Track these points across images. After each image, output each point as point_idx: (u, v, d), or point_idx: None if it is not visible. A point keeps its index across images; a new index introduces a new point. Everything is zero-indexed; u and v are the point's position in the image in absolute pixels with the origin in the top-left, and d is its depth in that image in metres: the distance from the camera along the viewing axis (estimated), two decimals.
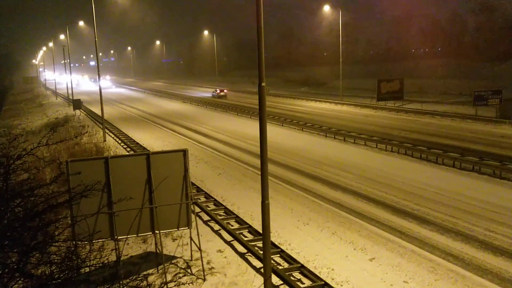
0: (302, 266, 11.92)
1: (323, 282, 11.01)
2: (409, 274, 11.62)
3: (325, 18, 71.31)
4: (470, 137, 28.57)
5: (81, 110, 50.74)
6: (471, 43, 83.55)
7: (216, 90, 67.32)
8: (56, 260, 6.79)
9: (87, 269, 6.83)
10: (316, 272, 11.62)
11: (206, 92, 75.00)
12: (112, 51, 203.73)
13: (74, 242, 9.88)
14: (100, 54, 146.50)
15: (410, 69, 72.27)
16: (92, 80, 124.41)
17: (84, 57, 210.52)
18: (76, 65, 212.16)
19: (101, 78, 73.83)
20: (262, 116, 9.89)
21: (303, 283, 11.26)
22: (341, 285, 11.11)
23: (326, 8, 59.65)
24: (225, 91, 66.99)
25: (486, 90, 36.46)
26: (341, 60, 51.39)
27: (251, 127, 34.90)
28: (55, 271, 6.45)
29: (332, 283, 11.07)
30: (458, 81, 56.81)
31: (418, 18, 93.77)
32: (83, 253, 8.74)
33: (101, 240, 11.26)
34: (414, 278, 11.42)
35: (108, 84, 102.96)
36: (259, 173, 10.21)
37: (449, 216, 15.30)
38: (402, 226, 14.75)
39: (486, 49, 75.83)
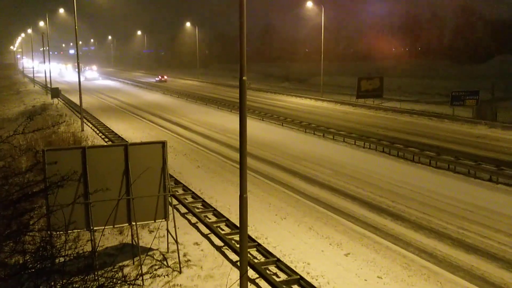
0: (278, 260, 12.00)
1: (298, 276, 11.11)
2: (383, 269, 11.79)
3: (308, 15, 71.45)
4: (447, 136, 29.02)
5: (59, 99, 50.02)
6: (450, 44, 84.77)
7: (158, 77, 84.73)
8: (30, 250, 6.72)
9: (62, 259, 6.76)
10: (292, 266, 11.71)
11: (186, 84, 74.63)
12: (92, 40, 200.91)
13: (49, 232, 9.78)
14: (80, 42, 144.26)
15: (390, 67, 72.93)
16: (77, 70, 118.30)
17: (63, 45, 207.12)
18: (56, 53, 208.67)
19: (87, 68, 70.22)
20: (242, 110, 9.90)
21: (279, 277, 11.34)
22: (316, 279, 11.22)
23: (309, 5, 59.74)
24: (165, 77, 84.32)
25: (463, 91, 37.04)
26: (322, 56, 51.58)
27: (231, 120, 34.87)
28: (29, 260, 6.38)
29: (307, 277, 11.17)
30: (436, 81, 57.55)
31: (399, 17, 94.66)
32: (58, 243, 8.65)
33: (76, 230, 11.18)
34: (388, 273, 11.59)
35: (94, 75, 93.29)
36: (238, 166, 10.23)
37: (423, 214, 15.55)
38: (377, 222, 14.95)
39: (465, 50, 77.03)
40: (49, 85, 60.08)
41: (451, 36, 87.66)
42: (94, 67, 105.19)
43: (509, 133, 29.47)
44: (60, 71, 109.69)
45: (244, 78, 9.80)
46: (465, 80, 54.34)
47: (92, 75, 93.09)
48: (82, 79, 73.62)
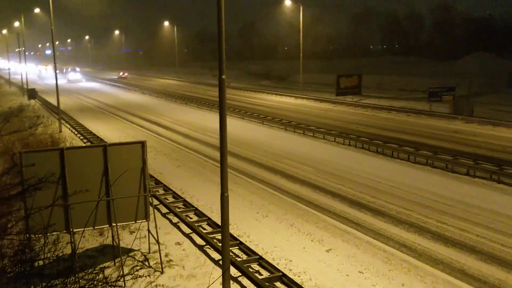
0: (261, 257, 12.02)
1: (281, 273, 11.15)
2: (364, 264, 11.91)
3: (287, 12, 71.66)
4: (425, 132, 29.41)
5: (36, 100, 49.29)
6: (427, 41, 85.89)
7: (120, 73, 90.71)
8: (8, 254, 6.63)
9: (41, 263, 6.68)
10: (274, 264, 11.75)
11: (165, 83, 74.18)
12: (69, 40, 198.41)
13: (27, 235, 9.65)
14: (57, 42, 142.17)
15: (369, 65, 73.56)
16: (57, 71, 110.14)
17: (40, 45, 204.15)
18: (32, 53, 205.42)
19: (69, 69, 67.95)
20: (222, 108, 9.89)
21: (261, 275, 11.37)
22: (299, 276, 11.28)
23: (288, 3, 59.91)
24: (126, 74, 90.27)
25: (440, 87, 37.61)
26: (301, 54, 51.82)
27: (211, 119, 34.79)
28: (7, 264, 6.29)
29: (289, 274, 11.22)
30: (414, 77, 58.21)
31: (378, 15, 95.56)
32: (37, 246, 8.55)
33: (56, 233, 11.04)
34: (369, 268, 11.71)
35: (77, 77, 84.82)
36: (219, 165, 10.22)
37: (403, 208, 15.75)
38: (358, 218, 15.08)
39: (442, 47, 78.13)
40: (26, 86, 59.04)
41: (428, 33, 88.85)
42: (78, 68, 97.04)
43: (485, 128, 30.01)
44: (39, 73, 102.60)
45: (223, 77, 9.79)
46: (442, 77, 55.11)
47: (75, 76, 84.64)
48: (64, 81, 70.12)
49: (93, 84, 78.85)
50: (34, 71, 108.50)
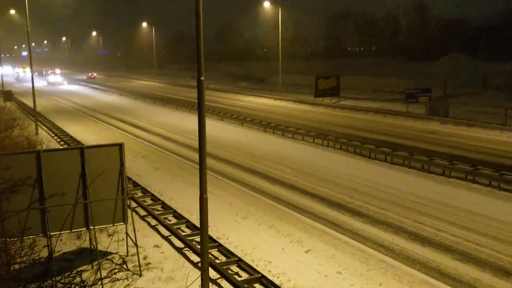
0: (240, 259, 12.04)
1: (260, 275, 11.18)
2: (343, 265, 12.02)
3: (265, 14, 71.82)
4: (401, 133, 29.80)
5: (11, 102, 48.47)
6: (403, 42, 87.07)
7: (89, 74, 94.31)
8: None
9: (17, 266, 6.60)
10: (254, 265, 11.78)
11: (143, 85, 73.63)
12: (45, 41, 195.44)
13: (3, 239, 9.50)
14: (33, 44, 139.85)
15: (346, 66, 74.21)
16: (36, 73, 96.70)
17: (15, 47, 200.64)
18: (7, 55, 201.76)
19: (49, 72, 65.78)
20: (201, 110, 9.88)
21: (240, 276, 11.38)
22: (278, 277, 11.33)
23: (266, 4, 60.07)
24: (95, 74, 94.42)
25: (416, 88, 38.13)
26: (280, 56, 51.98)
27: (190, 121, 34.66)
28: None
29: (269, 276, 11.26)
30: (391, 79, 58.93)
31: (355, 17, 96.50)
32: (13, 250, 8.43)
33: (32, 236, 10.89)
34: (348, 268, 11.82)
35: (58, 80, 79.78)
36: (198, 167, 10.20)
37: (380, 209, 15.93)
38: (336, 218, 15.21)
39: (418, 48, 79.30)
40: (1, 88, 57.81)
41: (404, 35, 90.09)
42: (58, 71, 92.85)
43: (461, 129, 30.54)
44: (17, 75, 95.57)
45: (202, 78, 9.78)
46: (418, 78, 55.90)
47: (56, 79, 79.94)
48: (44, 84, 67.71)
49: (74, 87, 77.58)
50: (11, 74, 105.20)
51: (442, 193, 17.60)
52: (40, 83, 74.84)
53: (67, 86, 76.02)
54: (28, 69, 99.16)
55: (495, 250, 12.80)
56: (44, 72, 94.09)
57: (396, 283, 11.14)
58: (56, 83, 77.67)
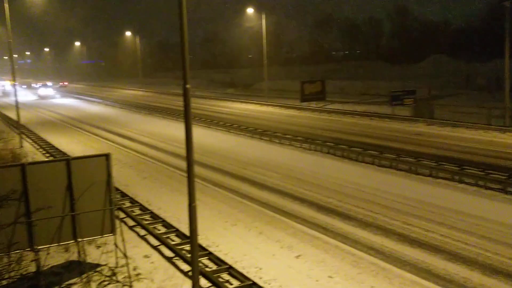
0: (230, 267, 11.98)
1: (251, 282, 11.13)
2: (334, 269, 12.02)
3: (249, 21, 72.05)
4: (388, 135, 29.99)
5: None
6: (387, 46, 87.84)
7: (59, 83, 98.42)
8: None
9: (5, 282, 6.50)
10: (244, 272, 11.72)
11: (126, 95, 73.25)
12: (28, 53, 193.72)
13: None
14: (16, 55, 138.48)
15: (331, 70, 74.62)
16: (24, 86, 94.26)
17: None
18: None
19: (39, 84, 63.48)
20: (187, 118, 9.85)
21: (231, 284, 11.32)
22: (269, 284, 11.29)
23: (250, 11, 60.27)
24: (66, 83, 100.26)
25: (401, 90, 38.46)
26: (265, 62, 52.13)
27: (177, 129, 34.55)
28: None
29: (260, 282, 11.22)
30: (375, 82, 59.40)
31: (338, 21, 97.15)
32: (1, 265, 8.30)
33: (19, 251, 10.73)
34: (338, 272, 11.82)
35: (49, 93, 75.06)
36: (186, 175, 10.16)
37: (369, 211, 15.98)
38: (326, 222, 15.22)
39: (401, 51, 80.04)
40: None
41: (388, 38, 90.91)
42: (49, 83, 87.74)
43: (446, 129, 30.83)
44: (4, 88, 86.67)
45: (187, 86, 9.76)
46: (402, 80, 56.41)
47: (47, 92, 75.15)
48: (34, 97, 65.41)
49: (61, 99, 76.41)
50: None
51: (430, 194, 17.72)
52: (29, 97, 73.26)
53: (62, 100, 70.94)
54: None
55: (484, 249, 12.90)
56: (33, 84, 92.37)
57: (387, 285, 11.16)
58: (47, 96, 73.31)
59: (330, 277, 11.63)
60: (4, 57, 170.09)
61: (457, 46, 72.65)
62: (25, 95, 75.28)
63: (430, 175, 19.89)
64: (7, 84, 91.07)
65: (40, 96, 73.33)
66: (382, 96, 48.14)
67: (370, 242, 13.63)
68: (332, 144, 25.92)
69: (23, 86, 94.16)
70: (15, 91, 32.91)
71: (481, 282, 11.20)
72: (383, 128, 32.75)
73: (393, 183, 19.36)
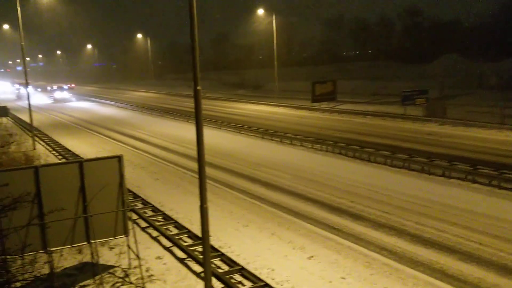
0: (243, 268, 11.97)
1: (263, 283, 11.12)
2: (346, 270, 11.96)
3: (259, 21, 72.05)
4: (400, 135, 29.80)
5: (8, 118, 48.41)
6: (398, 45, 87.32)
7: (67, 85, 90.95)
8: None
9: (19, 284, 6.54)
10: (257, 273, 11.71)
11: (138, 97, 73.59)
12: (40, 56, 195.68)
13: (3, 257, 9.44)
14: (28, 58, 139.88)
15: (342, 71, 74.35)
16: (39, 89, 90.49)
17: (10, 62, 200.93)
18: (2, 70, 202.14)
19: (54, 87, 61.93)
20: (198, 119, 9.87)
21: (244, 285, 11.32)
22: (282, 285, 11.27)
23: (260, 12, 60.26)
24: (73, 85, 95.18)
25: (413, 90, 38.19)
26: (276, 62, 52.08)
27: (188, 130, 34.66)
28: None
29: (272, 283, 11.20)
30: (387, 82, 59.06)
31: (349, 21, 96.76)
32: (14, 267, 8.37)
33: (33, 253, 10.82)
34: (351, 273, 11.77)
35: (65, 96, 73.15)
36: (197, 176, 10.17)
37: (382, 212, 15.89)
38: (338, 223, 15.16)
39: (413, 51, 79.52)
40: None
41: (399, 37, 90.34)
42: (65, 86, 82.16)
43: (458, 129, 30.57)
44: (18, 92, 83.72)
45: (199, 87, 9.78)
46: (414, 80, 56.01)
47: (63, 95, 72.89)
48: (50, 101, 64.67)
49: (77, 102, 76.07)
50: (11, 90, 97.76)
51: (443, 194, 17.57)
52: (44, 100, 71.03)
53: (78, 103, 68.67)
54: (30, 85, 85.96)
55: (498, 249, 12.77)
56: (48, 87, 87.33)
57: (401, 286, 11.09)
58: (63, 99, 70.61)
59: (343, 278, 11.57)
60: (17, 60, 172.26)
61: (469, 45, 72.01)
62: (39, 98, 73.68)
63: (443, 175, 19.74)
64: (22, 88, 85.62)
65: (56, 99, 71.14)
66: (393, 96, 47.85)
67: (383, 242, 13.55)
68: (344, 144, 25.82)
69: (38, 89, 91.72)
70: (28, 93, 33.11)
71: (496, 282, 11.08)
72: (395, 128, 32.56)
73: (405, 183, 19.23)
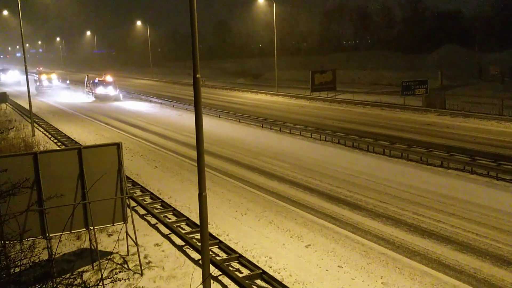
0: (241, 256, 12.04)
1: (261, 271, 11.18)
2: (343, 258, 12.03)
3: (260, 10, 71.72)
4: (399, 125, 29.81)
5: (7, 104, 48.32)
6: (399, 35, 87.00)
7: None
8: None
9: (18, 269, 6.57)
10: (254, 261, 11.78)
11: (139, 84, 73.33)
12: (40, 42, 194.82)
13: (2, 242, 9.47)
14: (27, 45, 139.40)
15: (342, 60, 74.14)
16: (68, 82, 65.51)
17: (9, 48, 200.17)
18: (1, 56, 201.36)
19: (96, 80, 52.91)
20: (197, 107, 9.86)
21: (241, 273, 11.39)
22: (279, 273, 11.34)
23: (260, 0, 59.93)
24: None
25: (412, 80, 38.11)
26: (275, 51, 51.91)
27: (187, 118, 34.66)
28: None
29: (270, 271, 11.27)
30: (387, 72, 58.91)
31: (349, 11, 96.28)
32: (13, 253, 8.39)
33: (32, 238, 10.87)
34: (348, 262, 11.84)
35: (110, 92, 50.45)
36: (196, 165, 10.19)
37: (379, 202, 15.95)
38: (336, 212, 15.22)
39: (413, 41, 79.25)
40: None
41: (399, 27, 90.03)
42: (109, 78, 52.80)
43: (457, 120, 30.58)
44: (39, 85, 61.00)
45: (198, 75, 9.76)
46: (414, 70, 55.89)
47: (107, 91, 50.82)
48: (92, 98, 47.68)
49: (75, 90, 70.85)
50: (22, 81, 62.61)
51: (441, 184, 17.63)
52: (82, 99, 52.97)
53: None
54: (54, 75, 64.16)
55: (494, 240, 12.84)
56: (87, 81, 55.66)
57: (397, 275, 11.16)
58: (106, 97, 50.18)
59: (340, 266, 11.64)
60: (16, 46, 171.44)
61: (470, 36, 71.82)
62: (67, 97, 55.46)
63: (441, 166, 19.79)
64: (44, 79, 62.19)
65: (98, 97, 51.16)
66: (393, 86, 47.79)
67: (380, 232, 13.62)
68: (343, 134, 25.84)
69: (67, 82, 66.72)
70: (27, 81, 32.40)
71: (492, 273, 11.16)
72: (394, 118, 32.56)
73: (403, 173, 19.28)
